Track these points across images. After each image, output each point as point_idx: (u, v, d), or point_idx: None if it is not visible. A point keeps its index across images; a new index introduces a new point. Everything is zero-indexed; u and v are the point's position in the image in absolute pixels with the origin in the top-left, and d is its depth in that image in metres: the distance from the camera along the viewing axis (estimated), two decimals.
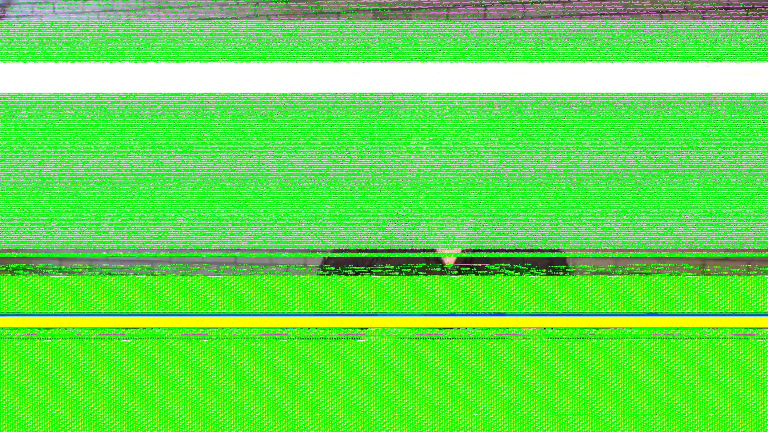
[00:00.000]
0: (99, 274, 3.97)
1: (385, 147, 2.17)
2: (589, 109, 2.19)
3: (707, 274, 3.61)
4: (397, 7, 3.76)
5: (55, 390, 1.69)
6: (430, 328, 1.70)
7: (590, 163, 2.17)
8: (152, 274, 4.01)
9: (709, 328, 1.68)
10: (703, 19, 3.05)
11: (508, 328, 1.70)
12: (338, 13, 3.69)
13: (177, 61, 2.30)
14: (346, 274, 1.98)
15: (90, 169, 2.37)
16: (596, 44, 2.21)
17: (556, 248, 1.99)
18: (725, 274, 3.57)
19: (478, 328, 1.70)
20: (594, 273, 2.28)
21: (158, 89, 2.32)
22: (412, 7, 3.73)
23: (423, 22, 2.15)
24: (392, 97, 2.12)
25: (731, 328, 1.68)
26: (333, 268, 2.01)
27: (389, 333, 1.72)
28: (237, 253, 4.02)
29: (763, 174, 2.17)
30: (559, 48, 2.19)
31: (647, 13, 3.49)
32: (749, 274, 3.56)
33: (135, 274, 4.11)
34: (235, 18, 3.93)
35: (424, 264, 1.95)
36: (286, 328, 1.69)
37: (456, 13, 3.59)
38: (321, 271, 2.03)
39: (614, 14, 3.54)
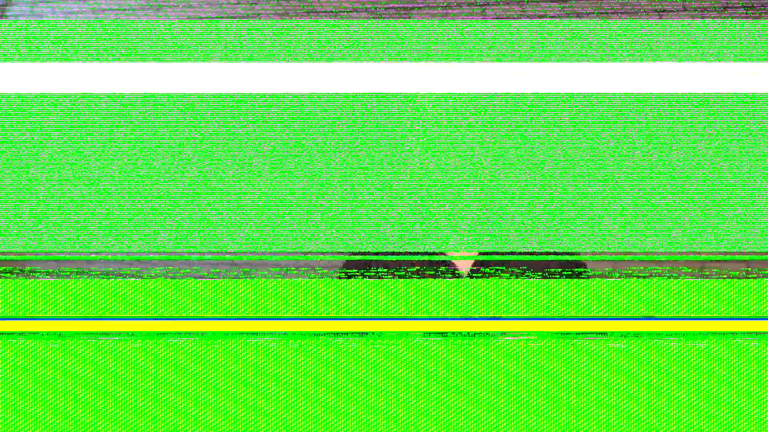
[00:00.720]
0: (88, 277, 3.96)
1: (388, 148, 2.17)
2: (586, 109, 2.19)
3: (706, 278, 3.61)
4: (391, 6, 3.76)
5: (42, 393, 1.69)
6: (439, 333, 1.70)
7: (587, 164, 2.17)
8: (142, 277, 4.00)
9: (707, 332, 1.68)
10: (702, 18, 3.05)
11: (506, 332, 1.69)
12: (334, 12, 3.68)
13: (172, 61, 2.30)
14: (363, 277, 1.98)
15: (79, 169, 2.37)
16: (594, 44, 2.21)
17: (552, 251, 1.99)
18: (724, 278, 3.57)
19: (479, 332, 1.70)
20: (590, 276, 2.28)
21: (150, 89, 2.32)
22: (407, 6, 3.73)
23: (420, 21, 2.16)
24: (393, 98, 2.11)
25: (730, 332, 1.68)
26: (349, 272, 2.02)
27: (405, 337, 1.72)
28: (237, 257, 4.01)
29: (763, 175, 2.18)
30: (556, 48, 2.19)
31: (645, 12, 3.50)
32: (748, 277, 3.56)
33: (124, 277, 4.10)
34: (226, 17, 3.93)
35: (437, 268, 1.95)
36: (282, 332, 1.68)
37: (453, 11, 3.59)
38: (340, 275, 2.04)
39: (612, 13, 3.55)
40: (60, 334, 1.69)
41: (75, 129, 2.36)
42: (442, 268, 1.95)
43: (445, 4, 3.59)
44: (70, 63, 2.35)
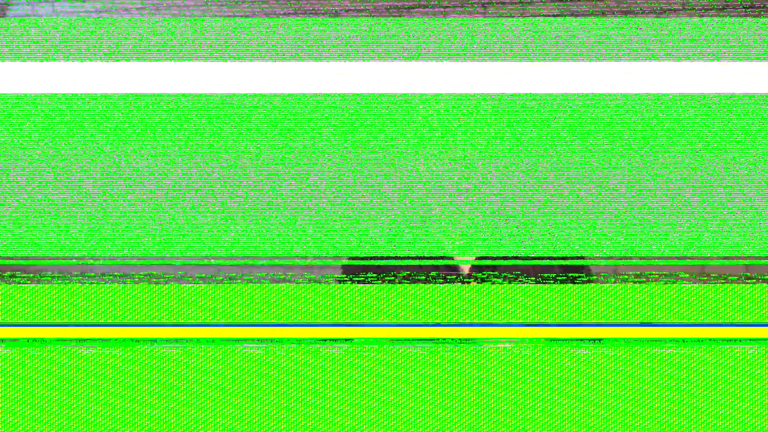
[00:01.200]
0: (70, 283, 3.94)
1: (381, 150, 2.17)
2: (582, 110, 2.19)
3: (704, 282, 3.61)
4: (380, 5, 3.76)
5: (18, 399, 1.68)
6: (438, 339, 1.69)
7: (587, 166, 2.17)
8: (126, 283, 3.98)
9: (705, 339, 1.68)
10: (701, 17, 3.06)
11: (500, 339, 1.69)
12: (331, 11, 3.68)
13: (165, 61, 2.29)
14: (360, 282, 1.98)
15: (62, 171, 2.35)
16: (592, 43, 2.21)
17: (546, 255, 1.99)
18: (723, 282, 3.57)
19: (472, 339, 1.69)
20: (587, 281, 2.28)
21: (139, 90, 2.31)
22: (405, 4, 3.73)
23: (421, 19, 2.15)
24: (386, 98, 2.11)
25: (728, 339, 1.68)
26: (338, 277, 2.01)
27: (398, 343, 1.71)
28: (223, 261, 4.00)
29: (763, 176, 2.18)
30: (556, 47, 2.19)
31: (642, 11, 3.50)
32: (747, 282, 3.56)
33: (107, 282, 4.09)
34: (214, 16, 3.91)
35: (436, 272, 1.94)
36: (270, 338, 1.68)
37: (455, 9, 3.59)
38: (340, 280, 2.03)
39: (608, 12, 3.55)
40: (40, 341, 1.68)
41: (54, 130, 2.35)
42: (433, 273, 1.95)
43: (437, 3, 3.59)
44: (53, 63, 2.33)
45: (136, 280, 3.98)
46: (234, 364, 1.67)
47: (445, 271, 1.94)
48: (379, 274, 2.00)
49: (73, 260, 4.09)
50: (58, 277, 4.05)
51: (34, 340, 1.69)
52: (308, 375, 1.67)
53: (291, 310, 1.69)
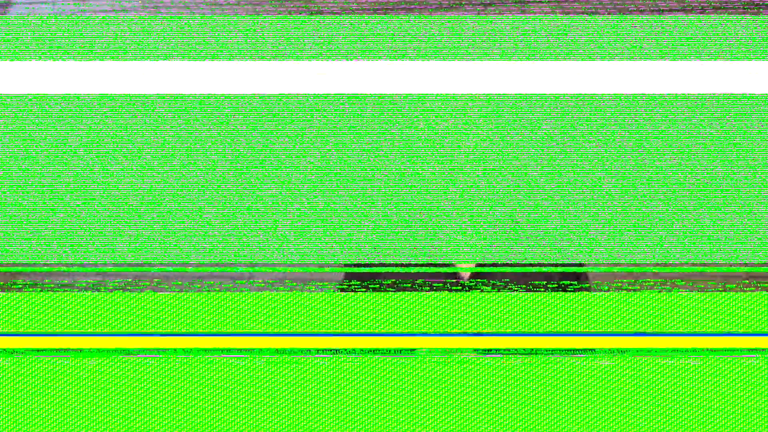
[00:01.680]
0: (41, 290, 3.92)
1: (386, 153, 2.17)
2: (575, 111, 2.19)
3: (701, 290, 3.62)
4: (372, 5, 3.76)
5: None
6: (431, 349, 1.69)
7: (586, 170, 2.16)
8: (99, 290, 3.96)
9: (702, 349, 1.67)
10: (699, 14, 3.05)
11: (494, 349, 1.69)
12: (338, 11, 3.68)
13: (163, 60, 2.28)
14: (353, 290, 1.97)
15: (32, 175, 2.34)
16: (587, 42, 2.21)
17: (539, 262, 1.98)
18: (720, 290, 3.58)
19: (457, 349, 1.69)
20: (580, 289, 2.28)
21: (110, 90, 2.29)
22: (400, 4, 3.73)
23: (421, 17, 2.15)
24: (368, 99, 2.10)
25: (725, 349, 1.68)
26: (321, 285, 2.00)
27: (393, 353, 1.70)
28: (200, 268, 3.98)
29: (763, 179, 2.18)
30: (545, 46, 2.19)
31: (637, 9, 3.51)
32: (746, 291, 3.57)
33: (80, 291, 4.06)
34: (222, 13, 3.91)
35: (436, 280, 1.94)
36: (249, 349, 1.67)
37: (457, 4, 3.59)
38: (340, 288, 2.03)
39: (601, 10, 3.56)
40: (10, 351, 1.67)
41: (23, 132, 2.34)
42: (420, 281, 1.95)
43: (449, 4, 3.60)
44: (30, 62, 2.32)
45: (110, 288, 3.96)
46: (212, 373, 1.66)
47: (439, 279, 1.94)
48: (364, 282, 1.99)
49: (45, 267, 4.07)
50: (29, 285, 4.02)
51: (4, 350, 1.67)
52: (292, 385, 1.66)
53: (274, 319, 1.68)
